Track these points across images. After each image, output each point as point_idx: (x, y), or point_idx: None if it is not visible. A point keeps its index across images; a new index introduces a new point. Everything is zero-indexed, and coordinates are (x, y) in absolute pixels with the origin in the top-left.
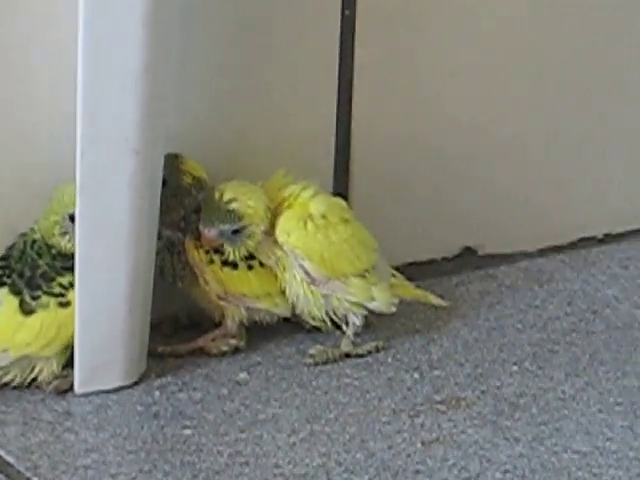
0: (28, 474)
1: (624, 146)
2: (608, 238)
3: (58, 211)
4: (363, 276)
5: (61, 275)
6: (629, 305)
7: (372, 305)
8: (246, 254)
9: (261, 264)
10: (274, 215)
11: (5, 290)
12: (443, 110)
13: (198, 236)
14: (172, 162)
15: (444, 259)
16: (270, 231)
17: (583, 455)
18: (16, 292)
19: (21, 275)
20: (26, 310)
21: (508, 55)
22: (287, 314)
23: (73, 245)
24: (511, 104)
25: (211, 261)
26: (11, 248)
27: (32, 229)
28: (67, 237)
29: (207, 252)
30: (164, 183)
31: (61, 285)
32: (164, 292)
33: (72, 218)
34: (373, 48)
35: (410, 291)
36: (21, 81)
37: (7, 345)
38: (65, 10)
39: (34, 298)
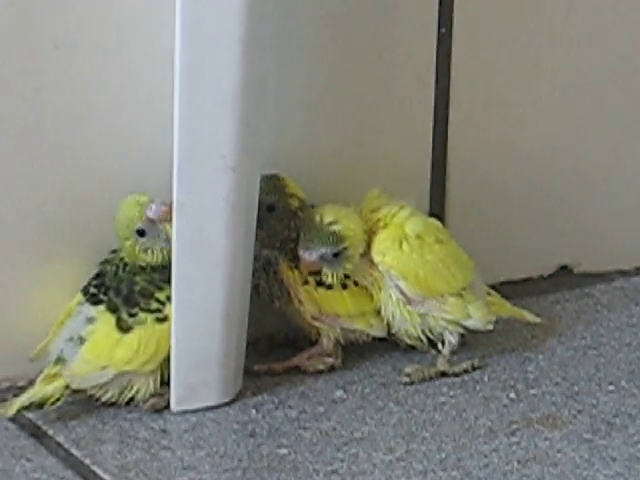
0: None
1: None
2: None
3: (127, 236)
4: (459, 295)
5: (160, 289)
6: None
7: (469, 323)
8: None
9: (355, 283)
10: (369, 235)
11: (102, 307)
12: (541, 128)
13: (292, 257)
14: (277, 186)
15: (540, 278)
16: (365, 251)
17: None
18: (112, 309)
19: (118, 293)
20: (123, 327)
21: (605, 69)
22: (382, 334)
23: (159, 254)
24: (608, 118)
25: (306, 282)
26: (104, 263)
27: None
28: (149, 251)
29: (302, 272)
30: (272, 209)
31: (158, 300)
32: (260, 311)
33: (139, 232)
34: (470, 65)
35: (506, 309)
36: (119, 99)
37: (106, 362)
38: (163, 26)
39: (131, 315)
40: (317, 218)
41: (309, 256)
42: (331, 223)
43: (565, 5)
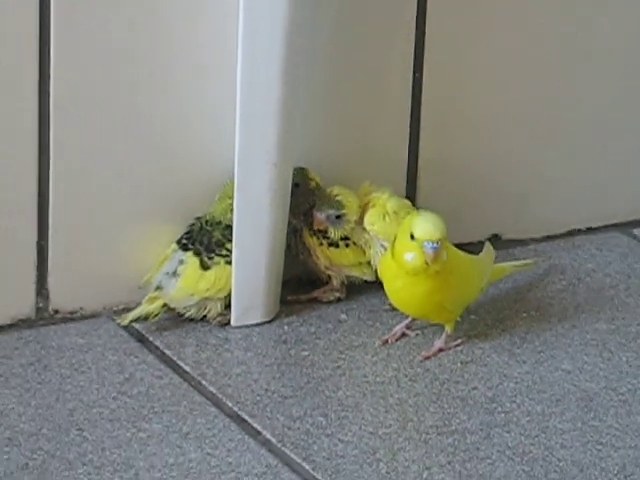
0: (199, 378)
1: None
2: (590, 230)
3: (232, 195)
4: None
5: (229, 241)
6: (602, 275)
7: None
8: (342, 236)
9: (354, 243)
10: (363, 211)
11: (190, 253)
12: (507, 125)
13: (311, 226)
14: (300, 171)
15: (478, 242)
16: (360, 221)
17: (567, 372)
18: (197, 254)
19: (201, 243)
20: (204, 266)
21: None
22: (372, 279)
23: None
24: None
25: (321, 244)
26: (192, 225)
27: (205, 215)
28: None
29: (317, 237)
30: (297, 185)
31: (228, 250)
32: (291, 261)
33: None
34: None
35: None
36: (199, 91)
37: (193, 291)
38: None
39: (210, 258)
40: (328, 191)
41: (320, 215)
42: (337, 194)
43: None
